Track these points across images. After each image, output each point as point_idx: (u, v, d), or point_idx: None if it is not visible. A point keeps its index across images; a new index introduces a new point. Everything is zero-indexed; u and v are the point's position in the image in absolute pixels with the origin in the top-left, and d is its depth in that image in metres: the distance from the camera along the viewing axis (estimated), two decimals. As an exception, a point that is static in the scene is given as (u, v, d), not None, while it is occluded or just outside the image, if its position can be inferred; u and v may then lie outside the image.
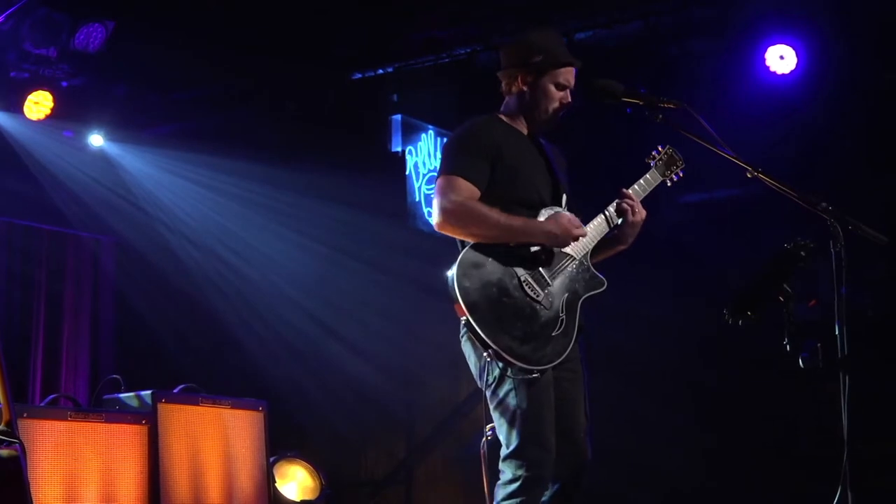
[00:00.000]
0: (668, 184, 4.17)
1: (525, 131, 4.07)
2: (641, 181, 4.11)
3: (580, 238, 3.89)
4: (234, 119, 8.31)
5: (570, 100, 4.02)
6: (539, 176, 3.99)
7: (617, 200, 4.01)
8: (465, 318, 3.71)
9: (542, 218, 3.90)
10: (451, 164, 3.90)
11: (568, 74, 4.01)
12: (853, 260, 3.43)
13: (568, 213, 3.92)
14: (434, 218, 3.89)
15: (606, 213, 4.00)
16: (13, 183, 8.00)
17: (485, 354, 3.72)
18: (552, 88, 3.98)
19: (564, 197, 4.02)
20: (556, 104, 4.00)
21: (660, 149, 4.16)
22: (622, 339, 7.10)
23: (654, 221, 4.13)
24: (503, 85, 4.08)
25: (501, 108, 4.12)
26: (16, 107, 7.48)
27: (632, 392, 7.25)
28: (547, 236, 3.84)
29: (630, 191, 4.05)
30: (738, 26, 6.93)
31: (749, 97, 6.97)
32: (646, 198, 4.12)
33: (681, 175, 4.18)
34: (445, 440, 8.42)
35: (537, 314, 3.78)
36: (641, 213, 4.02)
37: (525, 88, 4.00)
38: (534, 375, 3.73)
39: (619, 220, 4.02)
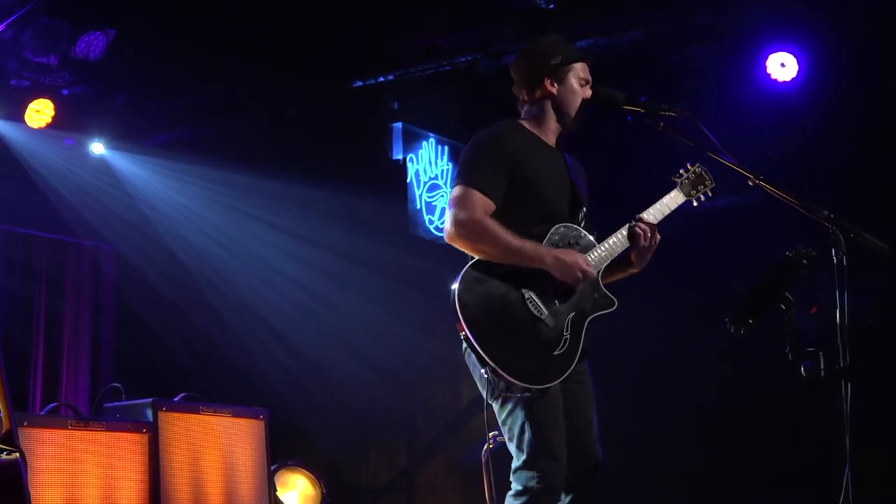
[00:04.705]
0: (695, 203, 4.08)
1: (548, 139, 4.02)
2: (663, 201, 4.02)
3: (587, 276, 3.79)
4: (234, 127, 8.32)
5: (590, 94, 4.01)
6: (558, 188, 3.94)
7: (630, 224, 3.93)
8: (463, 333, 3.68)
9: (553, 233, 3.84)
10: (469, 175, 3.85)
11: (584, 70, 4.02)
12: (853, 267, 3.42)
13: (581, 254, 3.82)
14: (446, 229, 3.85)
15: (619, 235, 3.92)
16: (14, 191, 8.01)
17: (482, 371, 3.69)
18: (576, 85, 3.99)
19: (582, 211, 3.98)
20: (581, 99, 3.99)
21: (689, 167, 4.07)
22: (620, 346, 7.08)
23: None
24: (524, 95, 4.04)
25: (522, 115, 4.07)
26: (17, 115, 7.48)
27: (626, 399, 7.24)
28: (554, 265, 3.75)
29: (649, 212, 3.97)
30: (739, 33, 6.94)
31: (750, 104, 6.98)
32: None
33: (709, 195, 4.08)
34: (446, 448, 8.42)
35: (539, 332, 3.73)
36: (654, 239, 3.92)
37: (553, 90, 3.98)
38: (533, 394, 3.69)
39: (630, 244, 3.93)
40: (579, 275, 3.77)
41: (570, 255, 3.78)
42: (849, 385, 3.36)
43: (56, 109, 7.50)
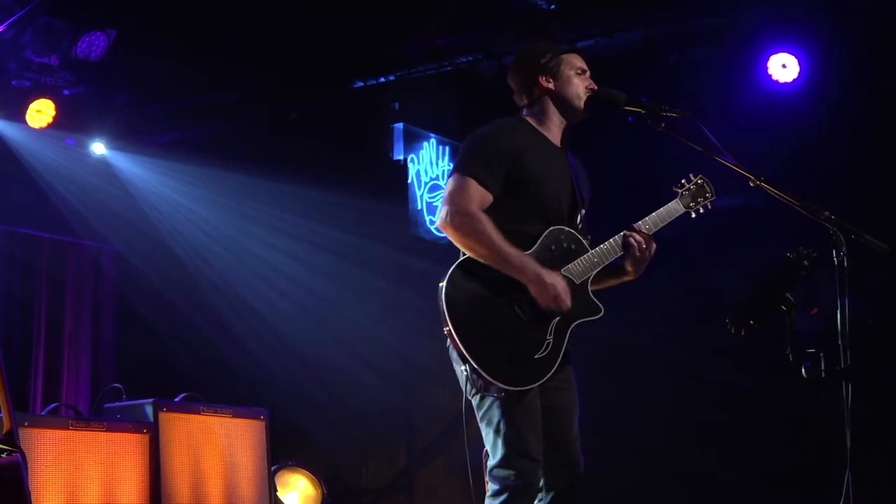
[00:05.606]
0: (693, 215, 4.02)
1: (552, 137, 4.01)
2: (661, 211, 3.97)
3: (560, 308, 3.73)
4: (235, 128, 8.32)
5: (594, 85, 4.01)
6: (557, 186, 3.92)
7: (624, 233, 3.89)
8: (447, 329, 3.70)
9: (547, 235, 3.82)
10: (468, 164, 3.84)
11: (578, 60, 4.03)
12: (853, 268, 3.42)
13: (564, 283, 3.76)
14: (438, 216, 3.84)
15: (612, 242, 3.89)
16: (15, 191, 8.01)
17: (462, 368, 3.71)
18: (573, 76, 3.99)
19: (580, 213, 3.96)
20: (582, 89, 3.99)
21: (691, 177, 4.03)
22: (619, 347, 7.08)
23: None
24: (524, 99, 4.04)
25: (525, 113, 4.05)
26: (18, 115, 7.49)
27: (625, 399, 7.23)
28: (534, 282, 3.70)
29: (645, 221, 3.93)
30: (740, 35, 6.94)
31: (751, 105, 6.97)
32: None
33: (709, 207, 4.02)
34: (446, 448, 8.41)
35: (522, 335, 3.73)
36: (649, 250, 3.88)
37: (550, 86, 3.98)
38: (509, 395, 3.68)
39: (622, 253, 3.89)
40: (552, 303, 3.72)
41: (552, 279, 3.73)
42: (849, 385, 3.37)
43: (57, 110, 7.50)
